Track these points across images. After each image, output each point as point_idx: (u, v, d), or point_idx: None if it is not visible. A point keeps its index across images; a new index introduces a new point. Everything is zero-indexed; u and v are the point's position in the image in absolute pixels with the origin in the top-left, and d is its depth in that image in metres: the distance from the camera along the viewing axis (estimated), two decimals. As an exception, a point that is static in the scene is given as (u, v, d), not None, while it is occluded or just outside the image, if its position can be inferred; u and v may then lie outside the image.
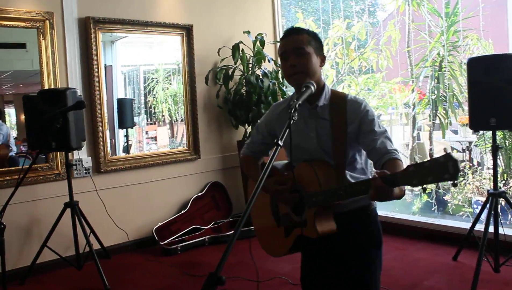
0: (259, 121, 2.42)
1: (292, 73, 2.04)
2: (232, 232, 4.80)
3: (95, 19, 4.53)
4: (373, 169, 1.95)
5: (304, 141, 2.12)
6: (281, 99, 5.40)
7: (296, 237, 2.10)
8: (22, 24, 4.18)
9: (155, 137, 5.29)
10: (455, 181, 1.48)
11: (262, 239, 2.39)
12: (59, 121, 3.10)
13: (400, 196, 1.74)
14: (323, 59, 2.10)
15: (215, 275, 1.20)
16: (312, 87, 1.93)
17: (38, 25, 4.23)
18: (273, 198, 2.22)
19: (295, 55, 2.02)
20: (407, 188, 5.57)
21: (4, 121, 4.42)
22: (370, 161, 2.13)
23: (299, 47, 2.02)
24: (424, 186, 1.57)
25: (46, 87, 4.27)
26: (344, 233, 2.07)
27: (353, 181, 2.08)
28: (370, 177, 2.15)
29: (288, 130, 1.72)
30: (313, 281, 2.26)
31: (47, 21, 4.27)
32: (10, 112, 4.50)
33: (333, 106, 2.07)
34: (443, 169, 1.47)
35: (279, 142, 1.66)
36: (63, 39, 4.40)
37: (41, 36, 4.26)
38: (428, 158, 1.54)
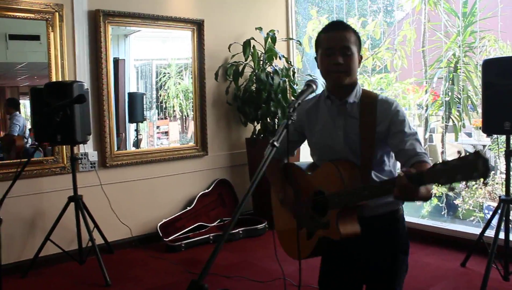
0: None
1: (335, 70, 1.99)
2: (237, 230, 4.76)
3: (105, 12, 4.49)
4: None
5: (330, 140, 2.08)
6: (292, 98, 5.39)
7: (319, 239, 2.06)
8: (31, 15, 4.15)
9: (167, 132, 5.25)
10: (486, 181, 1.43)
11: (283, 241, 2.36)
12: (58, 115, 3.05)
13: (427, 197, 1.68)
14: (360, 59, 2.07)
15: (197, 283, 1.14)
16: (314, 86, 1.90)
17: (47, 17, 4.20)
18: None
19: (341, 54, 1.97)
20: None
21: (20, 112, 4.43)
22: (398, 165, 2.08)
23: (347, 47, 1.98)
24: (452, 185, 1.52)
25: (54, 79, 4.25)
26: (372, 238, 2.05)
27: None
28: None
29: (286, 130, 1.66)
30: (334, 285, 2.22)
31: (57, 13, 4.24)
32: (26, 104, 4.50)
33: (363, 104, 2.04)
34: (473, 167, 1.42)
35: (275, 143, 1.61)
36: (72, 31, 4.37)
37: (50, 28, 4.23)
38: (456, 157, 1.49)
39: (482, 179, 1.41)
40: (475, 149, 1.44)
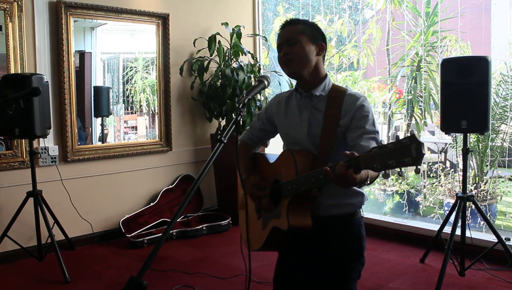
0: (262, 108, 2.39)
1: (284, 61, 2.03)
2: (201, 226, 4.74)
3: (67, 4, 4.39)
4: None
5: (294, 131, 2.09)
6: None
7: (271, 230, 2.04)
8: (-13, 5, 4.04)
9: (135, 127, 5.18)
10: (418, 167, 1.35)
11: (243, 231, 2.33)
12: (11, 107, 2.97)
13: (365, 181, 1.65)
14: (321, 48, 2.06)
15: (136, 280, 1.12)
16: (266, 82, 1.92)
17: (5, 6, 4.08)
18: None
19: (288, 45, 2.01)
20: (381, 187, 5.55)
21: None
22: None
23: (292, 38, 2.01)
24: (387, 171, 1.45)
25: (12, 71, 4.14)
26: (323, 241, 2.03)
27: None
28: None
29: (234, 126, 1.66)
30: (285, 284, 2.19)
31: (15, 3, 4.12)
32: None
33: (330, 98, 2.03)
34: (406, 152, 1.36)
35: (222, 138, 1.61)
36: (32, 23, 4.25)
37: (9, 18, 4.11)
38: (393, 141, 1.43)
39: (414, 165, 1.35)
40: (412, 133, 1.37)
